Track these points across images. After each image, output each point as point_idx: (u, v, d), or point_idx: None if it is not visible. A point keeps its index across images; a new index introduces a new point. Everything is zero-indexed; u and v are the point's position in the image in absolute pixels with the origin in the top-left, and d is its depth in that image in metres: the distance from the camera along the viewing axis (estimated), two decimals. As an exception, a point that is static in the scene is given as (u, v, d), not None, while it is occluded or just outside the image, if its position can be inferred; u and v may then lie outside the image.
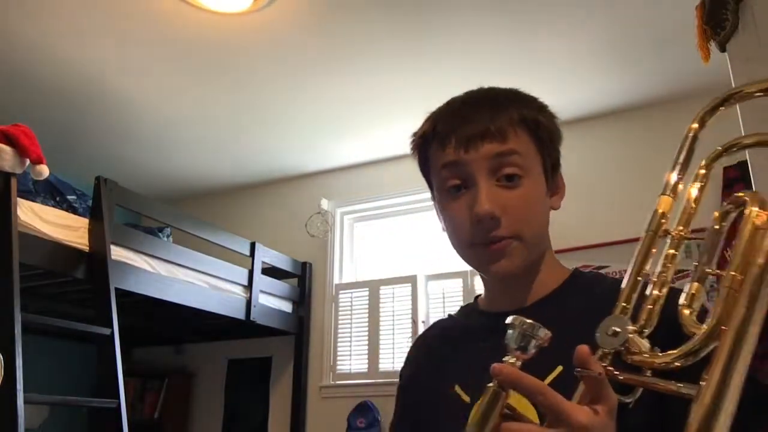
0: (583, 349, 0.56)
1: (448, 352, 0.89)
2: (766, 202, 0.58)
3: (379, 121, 3.56)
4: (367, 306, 3.83)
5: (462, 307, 0.98)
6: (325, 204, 4.10)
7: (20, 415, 2.03)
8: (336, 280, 4.02)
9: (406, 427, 0.92)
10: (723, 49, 1.83)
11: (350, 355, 3.82)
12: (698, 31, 1.87)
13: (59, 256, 2.50)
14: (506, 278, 0.81)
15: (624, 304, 0.61)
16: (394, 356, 3.65)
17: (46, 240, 2.43)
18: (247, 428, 3.95)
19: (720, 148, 0.68)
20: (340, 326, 3.91)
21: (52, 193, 2.87)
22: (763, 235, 0.55)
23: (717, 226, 0.65)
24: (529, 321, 0.56)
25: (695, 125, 0.70)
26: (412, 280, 3.75)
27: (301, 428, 3.74)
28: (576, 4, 2.60)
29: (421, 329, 3.58)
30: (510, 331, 0.57)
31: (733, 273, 0.55)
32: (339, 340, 3.87)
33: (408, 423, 0.91)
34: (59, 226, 2.51)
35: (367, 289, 3.87)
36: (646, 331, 0.60)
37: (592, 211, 3.24)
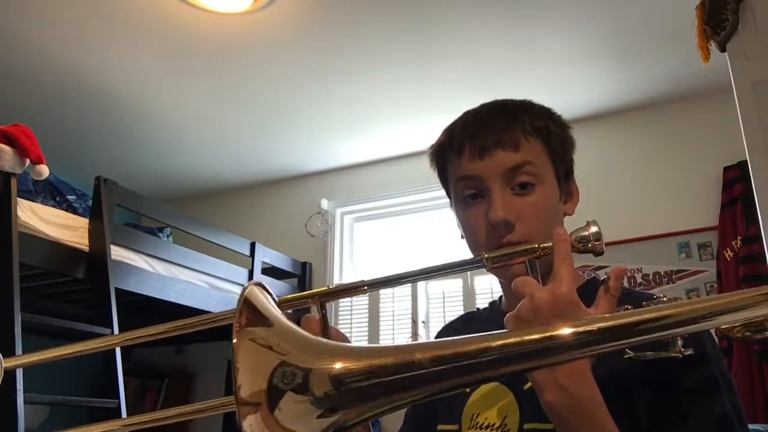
0: (619, 269, 0.70)
1: (477, 329, 0.95)
2: None
3: (379, 121, 3.56)
4: (367, 306, 3.84)
5: (490, 303, 1.03)
6: (325, 204, 4.10)
7: (20, 415, 2.03)
8: (336, 280, 4.02)
9: (418, 411, 0.95)
10: (723, 49, 1.83)
11: (350, 355, 3.82)
12: (698, 31, 1.87)
13: (59, 256, 2.50)
14: None
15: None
16: (394, 356, 3.64)
17: (46, 240, 2.43)
18: None
19: None
20: (340, 326, 3.91)
21: (52, 193, 2.87)
22: None
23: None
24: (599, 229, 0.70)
25: None
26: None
27: (301, 428, 3.73)
28: (576, 4, 2.60)
29: (421, 329, 3.59)
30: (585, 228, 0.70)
31: None
32: (339, 340, 3.87)
33: (420, 407, 0.95)
34: (59, 226, 2.51)
35: (367, 289, 3.86)
36: None
37: (591, 212, 3.23)
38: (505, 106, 0.88)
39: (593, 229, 0.68)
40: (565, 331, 0.48)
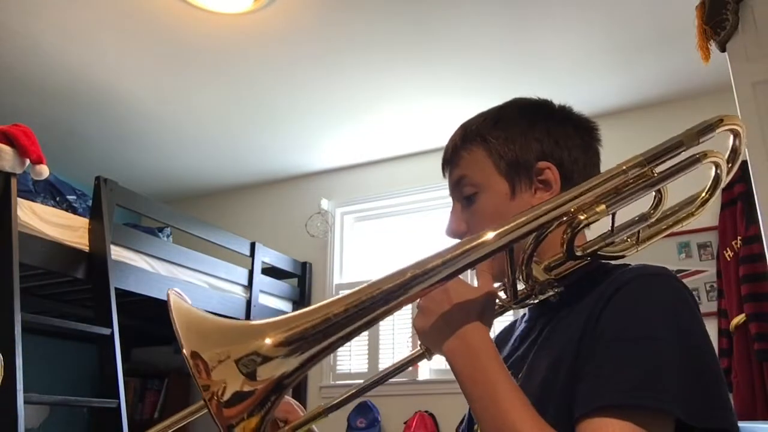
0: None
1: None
2: None
3: (379, 121, 3.56)
4: (367, 306, 3.83)
5: None
6: (325, 204, 4.10)
7: (20, 415, 2.03)
8: (336, 280, 4.02)
9: None
10: (723, 49, 1.83)
11: (350, 355, 3.82)
12: (698, 31, 1.87)
13: (59, 256, 2.50)
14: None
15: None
16: (394, 356, 3.65)
17: (46, 240, 2.43)
18: (247, 428, 3.94)
19: None
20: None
21: (52, 193, 2.87)
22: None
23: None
24: None
25: None
26: (412, 280, 3.75)
27: (301, 428, 3.73)
28: (576, 5, 2.60)
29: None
30: None
31: None
32: (339, 340, 3.87)
33: None
34: (59, 226, 2.51)
35: (367, 289, 3.86)
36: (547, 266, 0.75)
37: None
38: (460, 127, 0.94)
39: None
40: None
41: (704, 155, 0.75)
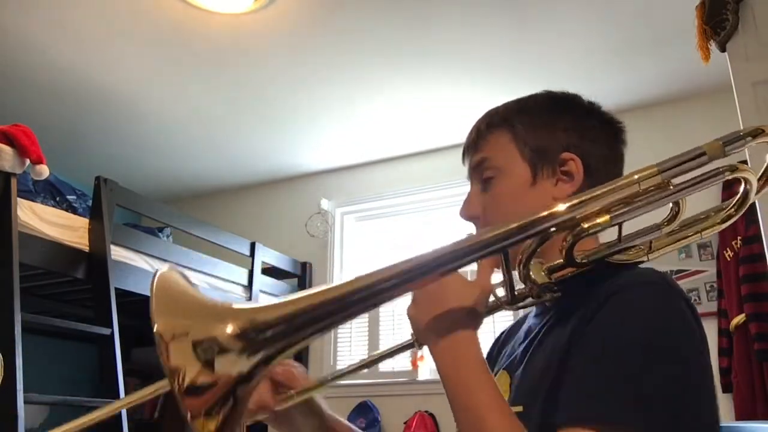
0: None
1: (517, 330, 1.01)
2: None
3: (379, 121, 3.56)
4: (367, 306, 3.83)
5: None
6: (325, 204, 4.10)
7: (20, 415, 2.03)
8: (336, 280, 4.00)
9: None
10: (723, 49, 1.83)
11: (350, 355, 3.82)
12: (698, 31, 1.87)
13: (59, 256, 2.50)
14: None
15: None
16: (394, 356, 3.65)
17: (46, 240, 2.43)
18: (247, 428, 3.94)
19: None
20: (340, 326, 3.90)
21: (52, 193, 2.87)
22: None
23: None
24: None
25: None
26: (412, 280, 3.75)
27: (301, 428, 3.73)
28: (576, 5, 2.60)
29: (421, 329, 3.59)
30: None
31: None
32: (339, 340, 3.87)
33: None
34: (59, 226, 2.51)
35: (367, 289, 3.87)
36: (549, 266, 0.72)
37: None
38: (486, 113, 0.92)
39: None
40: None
41: (732, 169, 0.68)
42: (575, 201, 0.66)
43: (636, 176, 0.67)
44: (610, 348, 0.65)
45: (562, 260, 0.70)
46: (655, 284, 0.70)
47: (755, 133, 0.68)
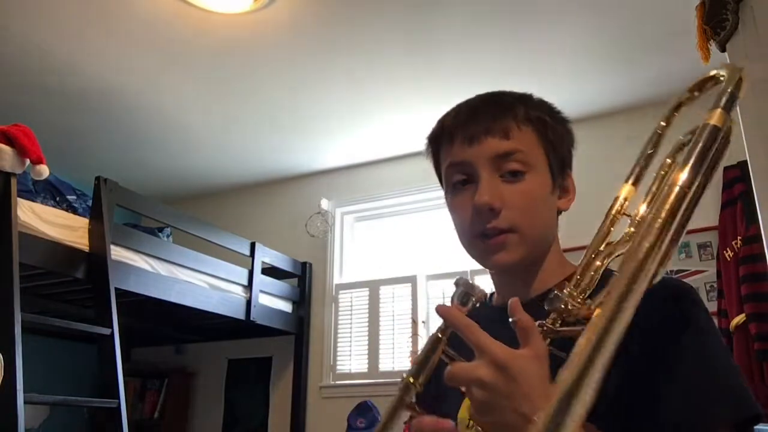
0: (514, 300, 0.62)
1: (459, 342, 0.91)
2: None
3: (379, 120, 3.56)
4: (367, 306, 3.84)
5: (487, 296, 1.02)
6: (325, 204, 4.10)
7: (20, 415, 2.03)
8: (336, 280, 4.02)
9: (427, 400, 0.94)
10: (723, 49, 1.83)
11: (350, 355, 3.82)
12: (698, 31, 1.87)
13: (59, 256, 2.50)
14: (507, 271, 0.84)
15: (577, 276, 0.68)
16: (394, 356, 3.65)
17: (46, 240, 2.43)
18: (247, 428, 3.95)
19: (681, 138, 0.76)
20: (340, 326, 3.91)
21: (52, 193, 2.87)
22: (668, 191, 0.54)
23: (669, 160, 0.74)
24: (469, 281, 0.66)
25: (663, 123, 0.78)
26: (412, 280, 3.75)
27: (301, 428, 3.74)
28: (576, 6, 2.60)
29: (421, 329, 3.58)
30: (455, 289, 0.66)
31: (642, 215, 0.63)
32: (339, 340, 3.87)
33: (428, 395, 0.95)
34: (59, 226, 2.51)
35: (367, 289, 3.87)
36: (587, 293, 0.66)
37: (593, 211, 3.23)
38: (500, 96, 0.88)
39: (460, 288, 0.65)
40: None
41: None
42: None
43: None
44: (710, 356, 0.70)
45: (587, 280, 0.67)
46: (694, 290, 0.75)
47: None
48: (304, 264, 4.03)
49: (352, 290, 3.94)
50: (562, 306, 0.64)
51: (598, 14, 2.67)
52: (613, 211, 0.74)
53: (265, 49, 2.91)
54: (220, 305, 3.23)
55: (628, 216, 0.72)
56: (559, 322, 0.64)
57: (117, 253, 2.66)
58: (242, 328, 3.65)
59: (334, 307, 3.94)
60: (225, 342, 4.11)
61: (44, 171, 2.36)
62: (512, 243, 0.79)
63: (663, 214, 0.51)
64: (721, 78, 0.66)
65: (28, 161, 2.33)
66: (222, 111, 3.47)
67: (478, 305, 0.65)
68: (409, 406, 0.63)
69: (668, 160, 0.74)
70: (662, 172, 0.72)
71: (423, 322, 3.60)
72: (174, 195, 4.57)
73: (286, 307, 3.83)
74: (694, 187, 0.53)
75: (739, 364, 2.77)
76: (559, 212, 0.88)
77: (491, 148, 0.80)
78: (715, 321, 2.85)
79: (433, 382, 0.88)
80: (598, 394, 0.48)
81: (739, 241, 2.82)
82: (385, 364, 3.65)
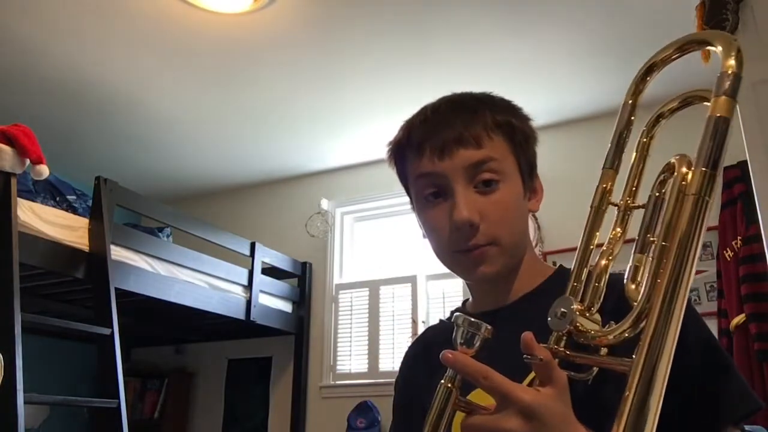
0: (527, 336, 0.56)
1: (437, 353, 0.89)
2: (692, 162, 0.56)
3: (379, 120, 3.56)
4: (367, 306, 3.84)
5: (452, 311, 0.98)
6: (325, 204, 4.10)
7: (20, 415, 2.03)
8: (336, 280, 4.02)
9: (401, 428, 0.92)
10: (723, 49, 1.83)
11: (350, 355, 3.82)
12: (698, 31, 1.87)
13: (59, 256, 2.50)
14: (488, 282, 0.83)
15: (575, 284, 0.62)
16: (394, 356, 3.65)
17: (46, 240, 2.43)
18: (247, 428, 3.95)
19: (655, 112, 0.74)
20: (340, 326, 3.91)
21: (52, 193, 2.87)
22: (685, 200, 0.54)
23: (656, 194, 0.68)
24: (471, 319, 0.58)
25: (630, 100, 0.72)
26: (412, 280, 3.75)
27: (301, 428, 3.74)
28: (575, 5, 2.60)
29: (421, 329, 3.58)
30: (456, 329, 0.59)
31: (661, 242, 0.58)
32: (339, 340, 3.87)
33: (403, 424, 0.92)
34: (59, 226, 2.51)
35: (367, 289, 3.87)
36: (595, 307, 0.61)
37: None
38: (465, 101, 0.86)
39: (462, 328, 0.58)
40: None
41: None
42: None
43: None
44: (717, 354, 0.71)
45: (592, 292, 0.62)
46: None
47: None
48: (304, 264, 4.03)
49: (352, 290, 3.94)
50: (571, 327, 0.59)
51: (597, 14, 2.67)
52: (596, 203, 0.69)
53: (265, 49, 2.91)
54: (220, 305, 3.23)
55: (615, 205, 0.69)
56: (563, 340, 0.60)
57: (117, 253, 2.66)
58: (242, 328, 3.65)
59: (334, 307, 3.94)
60: (225, 342, 4.11)
61: (44, 171, 2.36)
62: (493, 255, 0.79)
63: (681, 237, 0.53)
64: (716, 50, 0.60)
65: (28, 161, 2.32)
66: (222, 111, 3.47)
67: (477, 345, 0.58)
68: None
69: (644, 140, 0.73)
70: (645, 154, 0.72)
71: (423, 322, 3.60)
72: (174, 195, 4.57)
73: (286, 307, 3.83)
74: (710, 194, 0.53)
75: (739, 364, 2.78)
76: (530, 213, 0.87)
77: (463, 159, 0.78)
78: (715, 321, 2.85)
79: (407, 389, 0.87)
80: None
81: (739, 241, 2.82)
82: (385, 364, 3.65)
